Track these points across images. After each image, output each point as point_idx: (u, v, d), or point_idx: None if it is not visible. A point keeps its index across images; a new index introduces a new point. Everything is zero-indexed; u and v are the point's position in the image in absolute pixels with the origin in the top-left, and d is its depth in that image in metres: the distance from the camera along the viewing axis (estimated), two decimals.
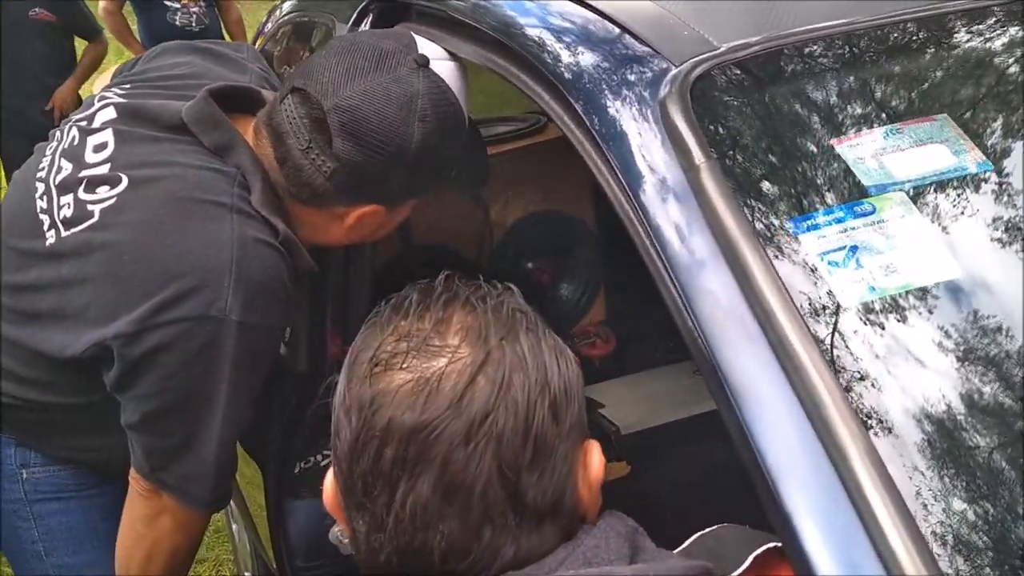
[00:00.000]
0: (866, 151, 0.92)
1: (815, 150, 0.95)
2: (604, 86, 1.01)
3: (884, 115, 0.98)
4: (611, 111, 0.99)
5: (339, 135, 1.34)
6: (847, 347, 0.81)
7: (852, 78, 1.01)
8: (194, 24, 4.90)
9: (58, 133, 1.54)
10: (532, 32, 1.16)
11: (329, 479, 0.89)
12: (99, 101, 1.54)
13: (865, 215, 0.87)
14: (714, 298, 0.83)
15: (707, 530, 0.90)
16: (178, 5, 4.83)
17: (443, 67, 1.38)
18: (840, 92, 1.00)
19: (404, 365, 0.79)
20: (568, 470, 0.81)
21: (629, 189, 0.92)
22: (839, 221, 0.87)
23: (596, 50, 1.07)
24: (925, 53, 1.05)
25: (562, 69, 1.06)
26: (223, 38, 5.15)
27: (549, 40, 1.12)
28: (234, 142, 1.42)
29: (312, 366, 1.74)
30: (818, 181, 0.93)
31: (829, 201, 0.90)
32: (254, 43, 2.66)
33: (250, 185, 1.39)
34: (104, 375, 1.38)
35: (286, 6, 2.61)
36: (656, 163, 0.92)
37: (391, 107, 1.33)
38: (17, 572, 1.75)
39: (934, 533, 0.72)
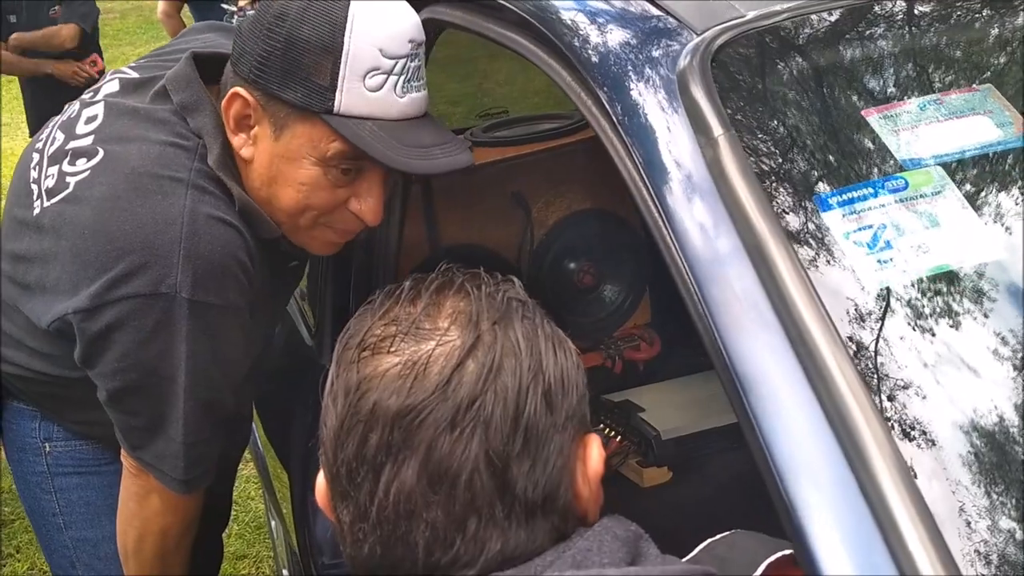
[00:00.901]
0: (901, 122, 0.85)
1: (844, 121, 0.88)
2: (623, 59, 0.96)
3: (921, 85, 0.90)
4: (630, 86, 0.93)
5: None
6: (872, 335, 0.74)
7: (888, 46, 0.93)
8: None
9: (67, 107, 1.55)
10: (558, 7, 1.10)
11: (321, 475, 0.85)
12: (111, 75, 1.54)
13: (897, 191, 0.80)
14: (728, 284, 0.77)
15: (718, 536, 0.84)
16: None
17: (385, 2, 1.31)
18: (873, 61, 0.92)
19: (392, 349, 0.76)
20: (563, 463, 0.77)
21: (644, 167, 0.87)
22: (868, 198, 0.80)
23: (617, 21, 1.01)
24: (968, 18, 0.97)
25: (581, 45, 1.01)
26: None
27: (575, 16, 1.06)
28: (200, 103, 1.40)
29: None
30: (847, 154, 0.86)
31: (857, 176, 0.83)
32: None
33: (208, 148, 1.37)
34: (74, 352, 1.38)
35: None
36: (674, 138, 0.86)
37: None
38: (40, 541, 1.78)
39: (956, 532, 0.65)
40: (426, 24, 1.40)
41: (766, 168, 0.84)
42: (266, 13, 1.31)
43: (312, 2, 1.29)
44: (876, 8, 0.97)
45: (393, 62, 1.30)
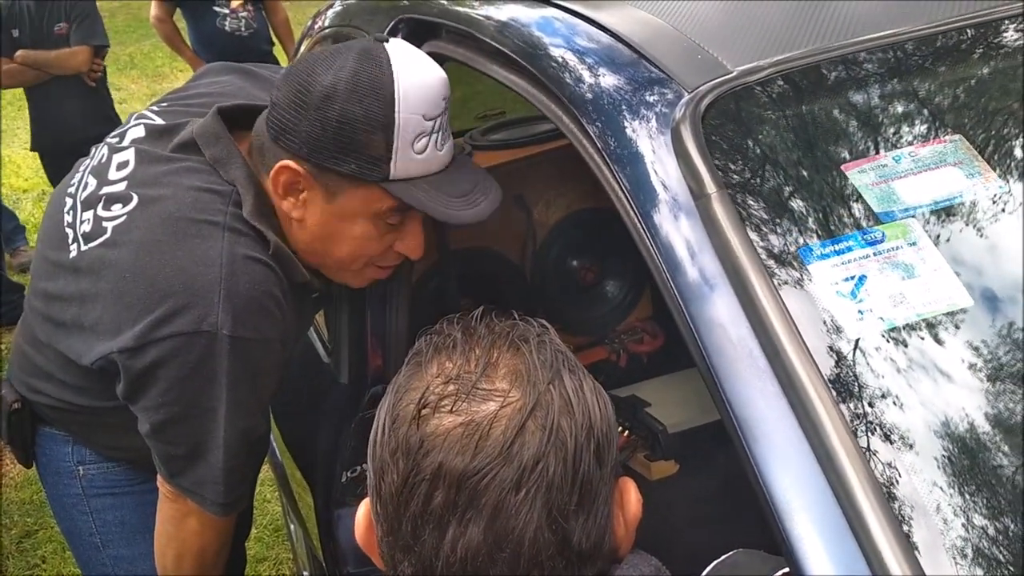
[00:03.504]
0: (876, 176, 0.92)
1: (826, 176, 0.94)
2: (618, 112, 1.02)
3: (896, 137, 0.97)
4: (625, 136, 1.00)
5: (278, 82, 1.43)
6: (856, 379, 0.81)
7: (863, 100, 1.00)
8: (243, 28, 4.96)
9: (94, 150, 1.62)
10: (552, 54, 1.17)
11: (361, 514, 0.89)
12: (134, 119, 1.61)
13: (875, 243, 0.87)
14: (724, 331, 0.84)
15: (721, 558, 0.91)
16: (227, 10, 4.90)
17: (415, 59, 1.38)
18: (851, 114, 0.99)
19: (453, 408, 0.79)
20: (608, 511, 0.81)
21: (643, 218, 0.93)
22: (848, 250, 0.87)
23: (612, 75, 1.07)
24: (940, 72, 1.04)
25: (578, 94, 1.07)
26: (271, 40, 5.23)
27: (568, 63, 1.13)
28: (231, 156, 1.48)
29: (355, 377, 1.78)
30: (829, 208, 0.92)
31: (839, 229, 0.90)
32: (299, 44, 2.71)
33: (243, 198, 1.44)
34: (116, 387, 1.47)
35: (330, 13, 2.64)
36: (667, 191, 0.93)
37: (320, 58, 1.38)
38: (78, 560, 1.88)
39: (934, 554, 0.72)
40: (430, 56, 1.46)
41: (754, 222, 0.91)
42: (310, 92, 1.36)
43: (358, 79, 1.35)
44: (850, 63, 1.03)
45: (432, 122, 1.38)
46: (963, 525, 0.74)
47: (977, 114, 0.98)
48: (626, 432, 2.44)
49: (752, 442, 0.78)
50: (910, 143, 0.95)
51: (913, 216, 0.90)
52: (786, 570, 0.88)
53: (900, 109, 0.99)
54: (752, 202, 0.92)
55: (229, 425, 1.43)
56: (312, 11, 3.03)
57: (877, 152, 0.95)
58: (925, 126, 0.98)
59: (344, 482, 1.81)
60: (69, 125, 4.72)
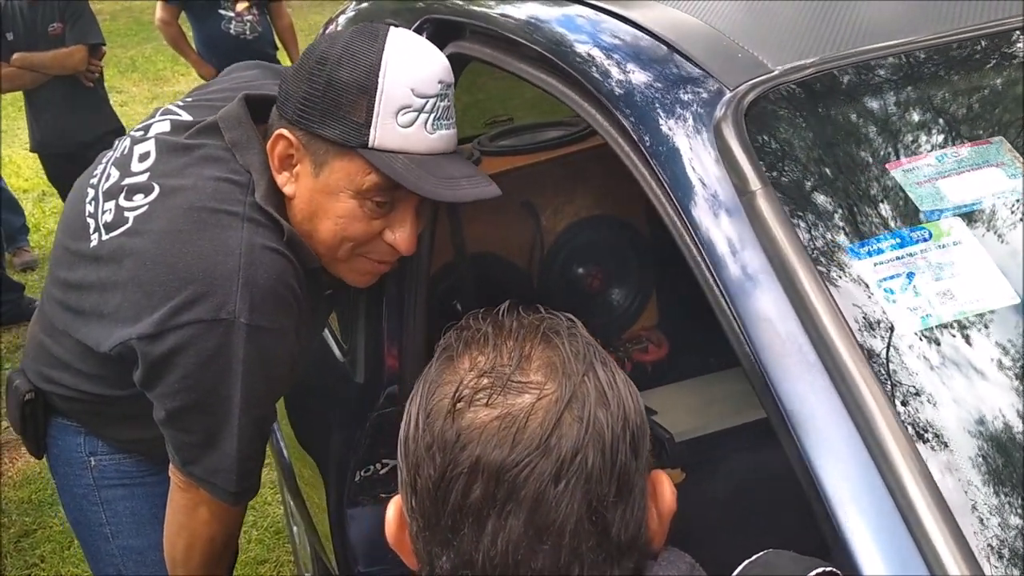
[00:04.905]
0: (921, 175, 0.93)
1: (870, 174, 0.95)
2: (659, 109, 1.03)
3: (940, 137, 0.98)
4: (665, 133, 1.00)
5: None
6: (906, 375, 0.82)
7: (907, 99, 1.01)
8: (248, 32, 4.97)
9: (117, 142, 1.64)
10: (589, 53, 1.18)
11: (392, 512, 0.88)
12: (160, 114, 1.62)
13: (922, 240, 0.88)
14: (772, 326, 0.84)
15: (753, 558, 0.90)
16: (232, 13, 4.91)
17: (413, 39, 1.40)
18: (895, 114, 1.00)
19: (488, 402, 0.78)
20: (644, 503, 0.81)
21: (684, 214, 0.94)
22: (896, 247, 0.88)
23: (652, 73, 1.08)
24: (983, 73, 1.05)
25: (617, 92, 1.08)
26: (276, 45, 5.24)
27: (606, 61, 1.14)
28: (250, 142, 1.50)
29: (371, 376, 1.78)
30: (874, 206, 0.93)
31: (886, 226, 0.91)
32: None
33: (255, 183, 1.46)
34: (133, 374, 1.47)
35: (342, 20, 2.65)
36: (710, 188, 0.94)
37: (328, 34, 1.42)
38: (86, 551, 1.88)
39: (987, 551, 0.72)
40: (451, 58, 1.47)
41: (800, 219, 0.91)
42: (309, 58, 1.42)
43: (349, 47, 1.38)
44: (893, 62, 1.05)
45: (424, 100, 1.38)
46: (1018, 510, 0.74)
47: (1017, 116, 0.99)
48: None
49: (803, 436, 0.78)
50: (952, 143, 0.96)
51: (958, 215, 0.91)
52: (820, 570, 0.88)
53: (940, 110, 1.00)
54: (797, 199, 0.93)
55: (243, 414, 1.44)
56: (315, 17, 3.04)
57: (920, 152, 0.96)
58: (965, 127, 0.99)
59: (357, 481, 1.81)
60: (67, 126, 4.72)
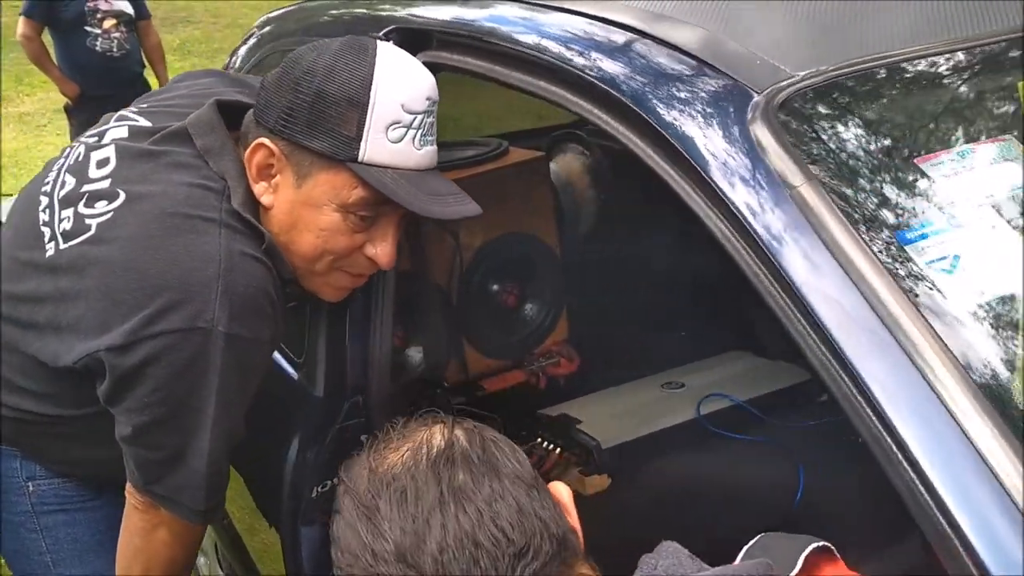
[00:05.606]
0: (948, 169, 1.02)
1: (901, 168, 1.04)
2: (691, 114, 1.08)
3: (952, 136, 1.07)
4: (702, 137, 1.05)
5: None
6: (971, 346, 0.90)
7: (921, 102, 1.10)
8: (115, 49, 4.82)
9: (68, 150, 1.58)
10: (597, 60, 1.22)
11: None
12: (115, 120, 1.56)
13: (960, 226, 0.96)
14: (839, 306, 0.90)
15: (751, 542, 0.96)
16: (99, 31, 4.75)
17: (403, 55, 1.41)
18: (911, 114, 1.09)
19: None
20: None
21: (736, 211, 0.99)
22: (938, 232, 0.96)
23: (678, 80, 1.13)
24: (988, 78, 1.16)
25: (647, 100, 1.12)
26: (143, 63, 5.08)
27: (629, 73, 1.18)
28: (224, 148, 1.47)
29: (331, 389, 1.76)
30: (911, 196, 1.01)
31: (924, 214, 0.99)
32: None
33: (231, 190, 1.43)
34: (97, 388, 1.41)
35: (242, 51, 2.61)
36: (755, 184, 0.99)
37: (312, 45, 1.41)
38: None
39: None
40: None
41: (846, 209, 0.98)
42: (293, 69, 1.40)
43: (339, 60, 1.37)
44: (910, 65, 1.14)
45: (412, 116, 1.39)
46: None
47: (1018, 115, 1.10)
48: (558, 450, 2.49)
49: (889, 408, 0.84)
50: (967, 142, 1.06)
51: (988, 204, 1.00)
52: (814, 545, 0.94)
53: (955, 111, 1.10)
54: (838, 191, 1.00)
55: (215, 426, 1.40)
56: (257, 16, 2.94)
57: (943, 148, 1.05)
58: (977, 126, 1.09)
59: (314, 497, 1.77)
60: None
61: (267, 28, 2.66)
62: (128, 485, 1.50)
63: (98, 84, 4.66)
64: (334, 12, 2.32)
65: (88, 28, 4.72)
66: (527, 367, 2.79)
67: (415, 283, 2.59)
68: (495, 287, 2.80)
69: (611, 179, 2.96)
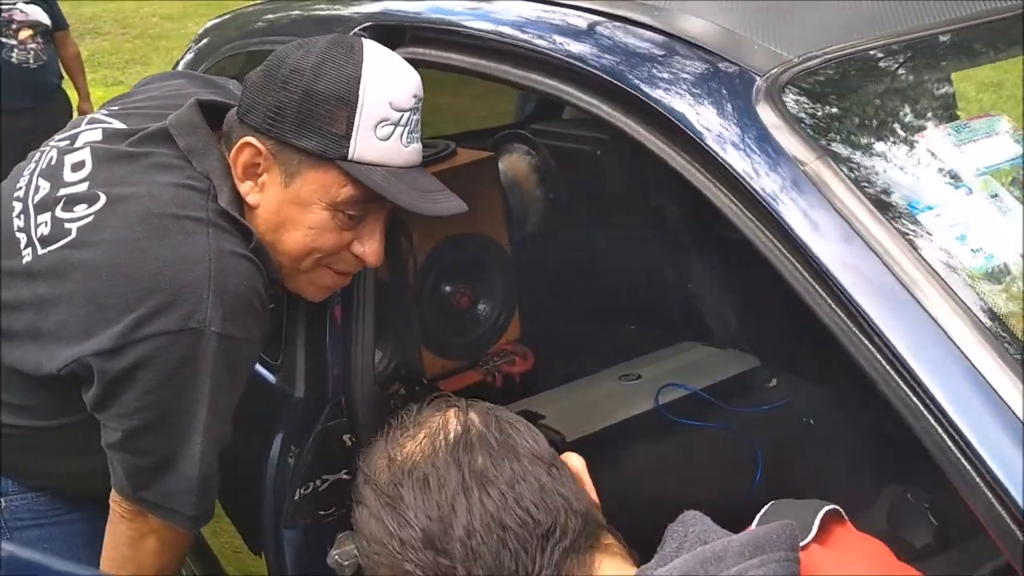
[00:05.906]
0: (946, 143, 1.07)
1: (904, 142, 1.09)
2: (698, 99, 1.11)
3: (946, 112, 1.13)
4: (712, 120, 1.09)
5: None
6: (987, 306, 0.95)
7: (914, 81, 1.16)
8: (32, 60, 4.67)
9: (37, 154, 1.54)
10: (616, 55, 1.24)
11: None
12: (87, 123, 1.53)
13: (968, 196, 1.02)
14: (859, 272, 0.94)
15: (763, 510, 1.00)
16: (15, 42, 4.59)
17: (389, 53, 1.42)
18: (906, 93, 1.14)
19: None
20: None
21: (752, 189, 1.02)
22: (947, 203, 1.02)
23: (681, 66, 1.17)
24: (977, 56, 1.22)
25: (652, 88, 1.15)
26: (61, 74, 4.94)
27: (635, 62, 1.21)
28: (208, 147, 1.46)
29: (312, 389, 1.74)
30: (916, 169, 1.07)
31: (931, 186, 1.04)
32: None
33: (217, 189, 1.42)
34: (84, 394, 1.39)
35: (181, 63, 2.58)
36: (769, 163, 1.03)
37: (296, 43, 1.41)
38: None
39: None
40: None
41: (858, 182, 1.03)
42: (279, 68, 1.38)
43: (327, 58, 1.37)
44: (904, 47, 1.20)
45: (400, 114, 1.40)
46: None
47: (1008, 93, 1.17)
48: None
49: (915, 364, 0.88)
50: (958, 117, 1.12)
51: (988, 174, 1.06)
52: (826, 508, 0.98)
53: (943, 90, 1.16)
54: (849, 166, 1.04)
55: (207, 429, 1.38)
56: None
57: (939, 125, 1.11)
58: (967, 103, 1.15)
59: (297, 500, 1.76)
60: None
61: (206, 39, 2.62)
62: (113, 493, 1.46)
63: (15, 96, 4.50)
64: (270, 17, 2.31)
65: (3, 39, 4.55)
66: (482, 367, 2.81)
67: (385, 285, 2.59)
68: (448, 288, 2.82)
69: (557, 177, 3.00)
